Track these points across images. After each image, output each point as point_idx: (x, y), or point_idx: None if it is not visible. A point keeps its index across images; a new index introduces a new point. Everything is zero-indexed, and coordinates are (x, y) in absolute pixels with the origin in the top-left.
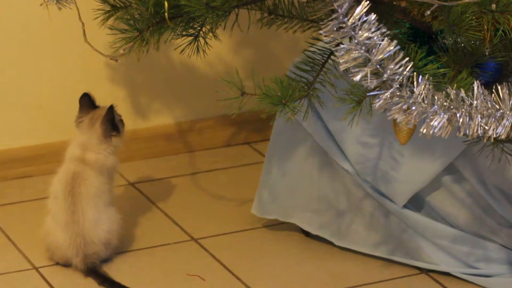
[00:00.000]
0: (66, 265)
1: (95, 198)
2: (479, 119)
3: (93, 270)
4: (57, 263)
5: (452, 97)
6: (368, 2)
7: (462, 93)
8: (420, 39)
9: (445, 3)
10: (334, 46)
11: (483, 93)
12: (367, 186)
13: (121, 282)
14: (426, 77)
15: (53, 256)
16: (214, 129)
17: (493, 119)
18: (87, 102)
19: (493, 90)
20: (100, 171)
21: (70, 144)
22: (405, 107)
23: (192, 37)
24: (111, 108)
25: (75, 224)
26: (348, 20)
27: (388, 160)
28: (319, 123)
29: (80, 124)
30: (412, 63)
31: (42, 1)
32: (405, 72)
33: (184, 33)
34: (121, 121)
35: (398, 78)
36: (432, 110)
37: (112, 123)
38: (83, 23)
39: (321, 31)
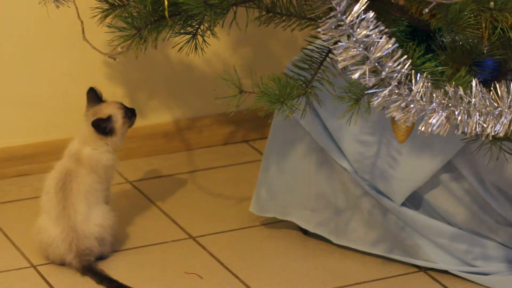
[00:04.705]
0: (61, 264)
1: (86, 195)
2: (478, 117)
3: (89, 268)
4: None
5: (451, 95)
6: (366, 0)
7: (461, 91)
8: (418, 37)
9: (443, 1)
10: (332, 44)
11: (481, 91)
12: (365, 184)
13: (119, 280)
14: (425, 75)
15: (47, 254)
16: (213, 127)
17: (491, 117)
18: (93, 96)
19: (492, 88)
20: (94, 169)
21: (73, 139)
22: (403, 105)
23: (190, 35)
24: (93, 122)
25: (66, 218)
26: (346, 18)
27: (386, 158)
28: (317, 121)
29: (86, 118)
30: (410, 61)
31: None
32: (403, 70)
33: (182, 31)
34: (129, 117)
35: (396, 76)
36: (430, 107)
37: (97, 128)
38: (82, 21)
39: (319, 29)
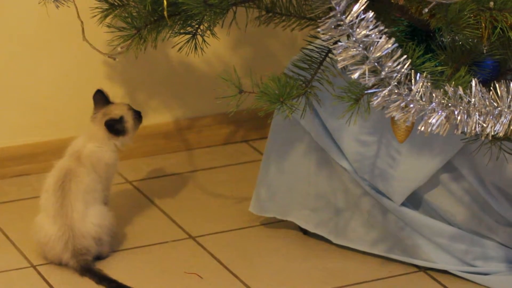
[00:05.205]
0: (59, 264)
1: (84, 194)
2: (477, 117)
3: (87, 269)
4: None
5: (450, 94)
6: (365, 0)
7: (460, 91)
8: (418, 37)
9: (443, 1)
10: (332, 44)
11: (481, 90)
12: (365, 184)
13: (119, 280)
14: (424, 74)
15: (44, 254)
16: (212, 127)
17: (491, 117)
18: (100, 98)
19: (491, 87)
20: (94, 167)
21: (77, 137)
22: (403, 104)
23: (190, 35)
24: (107, 122)
25: (64, 217)
26: (346, 17)
27: (386, 158)
28: (317, 121)
29: (94, 120)
30: (410, 60)
31: None
32: (403, 70)
33: (182, 31)
34: (137, 118)
35: (396, 76)
36: (430, 107)
37: (111, 129)
38: (82, 21)
39: (319, 29)
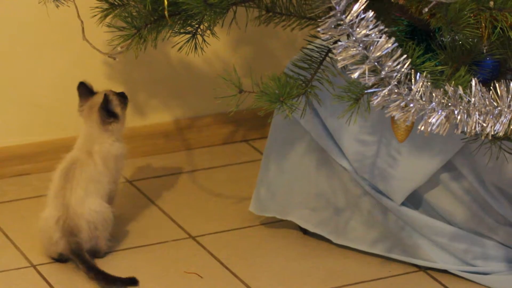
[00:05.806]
0: (56, 258)
1: (87, 183)
2: (477, 116)
3: (77, 253)
4: (53, 259)
5: (450, 94)
6: None
7: (460, 91)
8: (418, 37)
9: (443, 0)
10: (332, 43)
11: (481, 90)
12: (365, 183)
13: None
14: (424, 74)
15: (41, 241)
16: (212, 127)
17: (491, 116)
18: (84, 90)
19: (491, 87)
20: (105, 161)
21: (80, 136)
22: (403, 104)
23: (190, 35)
24: (105, 97)
25: (61, 198)
26: (346, 17)
27: (386, 157)
28: (317, 121)
29: (82, 114)
30: (410, 60)
31: None
32: (403, 70)
33: (182, 30)
34: (123, 102)
35: (396, 76)
36: (430, 107)
37: (107, 111)
38: (82, 21)
39: (319, 29)
